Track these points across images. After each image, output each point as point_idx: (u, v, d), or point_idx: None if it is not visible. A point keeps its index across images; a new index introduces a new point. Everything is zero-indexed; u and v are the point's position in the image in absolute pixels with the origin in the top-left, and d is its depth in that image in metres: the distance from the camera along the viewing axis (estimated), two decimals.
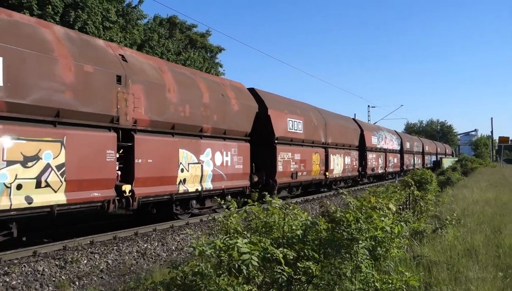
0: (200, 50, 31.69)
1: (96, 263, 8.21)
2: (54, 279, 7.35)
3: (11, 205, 7.33)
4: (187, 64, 26.36)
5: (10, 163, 7.36)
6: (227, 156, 13.15)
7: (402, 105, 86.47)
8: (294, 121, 16.95)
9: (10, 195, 7.35)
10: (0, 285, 6.73)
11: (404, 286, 4.08)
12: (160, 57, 23.49)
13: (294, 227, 4.27)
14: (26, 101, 7.64)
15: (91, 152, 8.76)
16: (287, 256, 3.80)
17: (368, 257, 4.21)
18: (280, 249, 3.85)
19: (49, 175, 7.95)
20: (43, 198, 7.86)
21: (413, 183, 10.39)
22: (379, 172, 28.88)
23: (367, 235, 4.12)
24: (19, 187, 7.49)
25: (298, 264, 3.94)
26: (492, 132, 73.66)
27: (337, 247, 4.02)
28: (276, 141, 15.51)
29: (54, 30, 8.73)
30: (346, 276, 3.96)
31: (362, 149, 25.48)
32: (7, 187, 7.31)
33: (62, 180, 8.18)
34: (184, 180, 11.39)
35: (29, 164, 7.65)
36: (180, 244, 10.14)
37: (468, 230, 7.99)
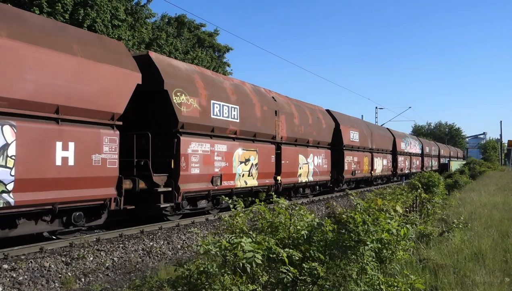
0: (208, 49, 31.75)
1: (102, 260, 8.25)
2: (60, 275, 7.40)
3: (240, 185, 13.35)
4: (195, 63, 26.41)
5: (240, 162, 13.38)
6: (319, 158, 19.18)
7: (410, 107, 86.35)
8: (354, 133, 23.03)
9: (239, 180, 13.34)
10: (7, 281, 6.79)
11: (409, 289, 4.06)
12: (168, 56, 23.55)
13: (299, 227, 4.26)
14: (245, 129, 13.61)
15: (266, 156, 14.80)
16: (293, 256, 3.80)
17: (374, 259, 4.19)
18: (286, 249, 3.84)
19: (252, 169, 14.01)
20: (250, 182, 13.97)
21: (420, 185, 10.32)
22: (406, 172, 33.81)
23: (373, 237, 4.10)
24: (242, 175, 13.48)
25: (304, 264, 3.94)
26: (501, 135, 73.04)
27: (343, 248, 4.01)
28: (343, 147, 21.48)
29: (247, 86, 14.92)
30: (352, 277, 3.95)
31: (394, 152, 31.12)
32: (240, 175, 13.31)
33: (256, 172, 14.21)
34: (300, 174, 17.32)
35: (247, 163, 13.70)
36: (186, 242, 10.16)
37: (476, 234, 7.92)
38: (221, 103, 12.42)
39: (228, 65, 34.37)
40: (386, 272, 4.70)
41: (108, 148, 8.96)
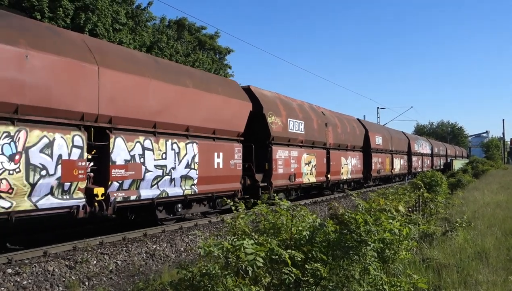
0: (209, 51, 31.75)
1: (106, 263, 8.26)
2: (64, 279, 7.41)
3: (305, 181, 17.40)
4: (196, 65, 26.42)
5: (305, 164, 17.37)
6: (354, 160, 23.37)
7: (412, 106, 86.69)
8: (378, 137, 27.12)
9: (305, 177, 17.36)
10: (11, 285, 6.81)
11: (412, 289, 4.06)
12: (169, 59, 23.55)
13: (301, 228, 4.26)
14: (308, 138, 17.63)
15: (320, 159, 18.84)
16: (295, 257, 3.79)
17: (376, 259, 4.18)
18: (288, 250, 3.84)
19: (312, 169, 17.96)
20: (311, 179, 17.92)
21: (422, 185, 10.30)
22: (419, 170, 36.82)
23: (375, 237, 4.10)
24: (306, 174, 17.45)
25: (306, 265, 3.94)
26: (503, 134, 73.10)
27: (346, 249, 4.00)
28: (371, 150, 25.55)
29: (305, 104, 18.99)
30: (355, 278, 3.95)
31: (409, 153, 35.29)
32: (305, 174, 17.31)
33: (315, 171, 18.23)
34: (342, 173, 21.52)
35: (309, 164, 17.74)
36: (189, 245, 10.17)
37: (479, 233, 7.90)
38: (294, 120, 16.62)
39: (229, 67, 34.37)
40: (389, 272, 4.69)
41: (237, 156, 13.28)
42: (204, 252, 3.43)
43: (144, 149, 9.88)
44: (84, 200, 8.51)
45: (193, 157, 11.41)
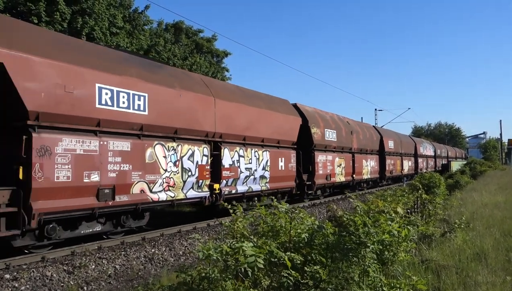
0: (206, 55, 31.76)
1: (104, 268, 8.23)
2: (62, 284, 7.38)
3: (338, 181, 20.93)
4: (193, 69, 26.43)
5: (337, 166, 20.78)
6: (372, 162, 26.56)
7: (409, 108, 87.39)
8: (391, 142, 30.40)
9: (337, 177, 20.69)
10: None
11: (411, 290, 4.05)
12: (166, 62, 23.57)
13: (300, 231, 4.25)
14: (339, 145, 20.83)
15: (347, 162, 22.12)
16: (294, 260, 3.79)
17: (375, 261, 4.18)
18: (288, 253, 3.83)
19: (342, 170, 21.39)
20: (341, 179, 21.26)
21: (421, 186, 10.30)
22: (424, 171, 38.87)
23: (374, 239, 4.09)
24: (338, 174, 20.85)
25: (305, 268, 3.93)
26: (501, 135, 73.08)
27: (345, 251, 4.00)
28: (385, 153, 28.84)
29: (335, 116, 22.36)
30: (354, 280, 3.94)
31: (416, 155, 38.69)
32: (337, 174, 20.91)
33: (344, 172, 21.73)
34: (363, 173, 24.79)
35: (340, 166, 21.13)
36: (188, 248, 10.14)
37: (477, 234, 7.89)
38: (329, 130, 19.97)
39: (227, 70, 34.40)
40: (388, 273, 4.69)
41: (292, 160, 16.67)
42: (203, 255, 3.42)
43: (239, 156, 13.53)
44: (208, 193, 12.10)
45: (267, 162, 14.98)
